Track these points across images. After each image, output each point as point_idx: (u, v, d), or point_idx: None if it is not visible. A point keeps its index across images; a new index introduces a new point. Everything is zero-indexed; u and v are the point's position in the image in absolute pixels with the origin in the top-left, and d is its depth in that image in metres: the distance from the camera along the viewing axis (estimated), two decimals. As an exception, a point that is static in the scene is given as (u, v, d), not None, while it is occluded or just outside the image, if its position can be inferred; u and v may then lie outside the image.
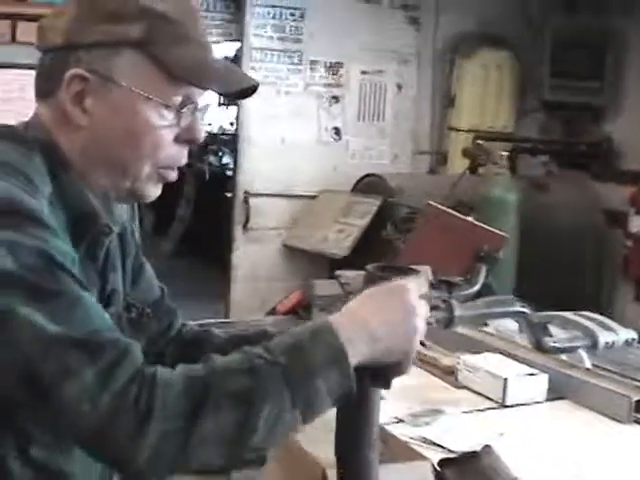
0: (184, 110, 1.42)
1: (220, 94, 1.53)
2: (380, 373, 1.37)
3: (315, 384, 1.22)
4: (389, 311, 1.32)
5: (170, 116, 1.41)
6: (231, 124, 9.15)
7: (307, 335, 1.26)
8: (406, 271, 1.42)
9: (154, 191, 1.47)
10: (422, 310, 1.35)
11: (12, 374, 1.19)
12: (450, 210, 2.88)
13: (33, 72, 1.46)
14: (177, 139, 1.43)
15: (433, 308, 1.51)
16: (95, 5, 1.38)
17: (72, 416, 1.17)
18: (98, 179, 1.43)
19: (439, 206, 2.94)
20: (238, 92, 1.47)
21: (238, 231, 6.64)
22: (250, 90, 1.48)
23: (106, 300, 1.49)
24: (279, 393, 1.20)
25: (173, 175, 1.47)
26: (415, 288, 1.35)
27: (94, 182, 1.43)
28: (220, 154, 9.70)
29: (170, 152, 1.43)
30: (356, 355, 1.27)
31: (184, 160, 1.47)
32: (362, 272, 1.42)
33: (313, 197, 6.73)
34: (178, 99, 1.41)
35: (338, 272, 1.69)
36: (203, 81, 1.42)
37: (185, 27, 1.40)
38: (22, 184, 1.28)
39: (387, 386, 1.41)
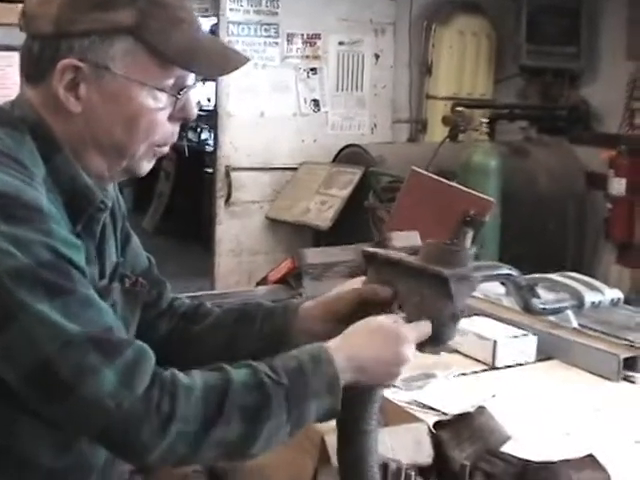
0: (178, 92, 1.43)
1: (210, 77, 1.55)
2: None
3: (309, 406, 1.35)
4: (381, 350, 1.43)
5: (164, 98, 1.42)
6: (208, 100, 9.09)
7: (308, 360, 1.37)
8: None
9: (148, 166, 1.50)
10: (410, 354, 1.45)
11: (26, 369, 1.21)
12: (434, 176, 2.88)
13: (13, 54, 1.44)
14: (171, 118, 1.45)
15: None
16: None
17: (91, 413, 1.21)
18: (93, 161, 1.44)
19: (423, 172, 2.94)
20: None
21: (220, 206, 6.64)
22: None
23: (105, 275, 1.50)
24: (280, 411, 1.32)
25: (166, 149, 1.49)
26: (413, 338, 1.46)
27: (89, 163, 1.43)
28: (198, 130, 9.64)
29: (164, 131, 1.45)
30: (344, 380, 1.40)
31: (177, 135, 1.49)
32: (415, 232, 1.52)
33: (294, 169, 6.73)
34: (171, 81, 1.42)
35: (390, 234, 1.76)
36: (194, 65, 1.43)
37: (175, 8, 1.41)
38: (20, 174, 1.29)
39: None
